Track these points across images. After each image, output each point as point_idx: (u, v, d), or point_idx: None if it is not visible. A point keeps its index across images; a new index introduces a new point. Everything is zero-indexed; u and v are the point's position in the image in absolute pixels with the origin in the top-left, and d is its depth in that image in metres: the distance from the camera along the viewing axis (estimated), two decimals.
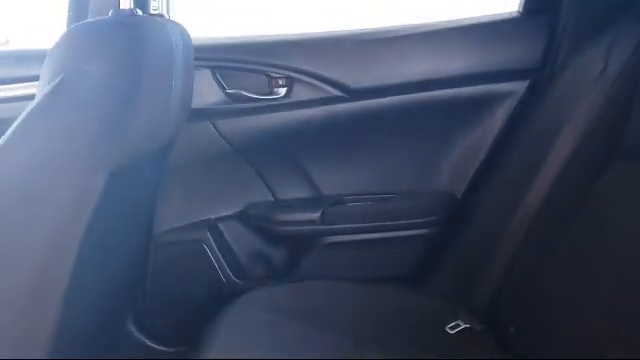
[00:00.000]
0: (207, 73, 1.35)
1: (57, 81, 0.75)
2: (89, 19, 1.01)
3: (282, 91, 1.39)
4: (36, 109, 0.75)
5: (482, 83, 1.37)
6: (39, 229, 0.78)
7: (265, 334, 1.15)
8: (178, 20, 1.11)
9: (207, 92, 1.37)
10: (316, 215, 1.39)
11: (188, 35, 1.04)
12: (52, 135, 0.76)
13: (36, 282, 0.79)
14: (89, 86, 0.76)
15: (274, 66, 1.38)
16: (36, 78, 0.89)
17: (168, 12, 1.22)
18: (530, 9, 1.38)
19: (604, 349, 0.89)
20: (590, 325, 0.93)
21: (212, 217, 1.44)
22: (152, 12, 1.10)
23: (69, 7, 1.11)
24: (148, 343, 1.44)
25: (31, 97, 0.88)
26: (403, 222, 1.42)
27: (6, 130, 0.80)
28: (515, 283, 1.18)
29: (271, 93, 1.39)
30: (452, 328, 1.18)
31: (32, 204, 0.78)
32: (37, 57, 1.06)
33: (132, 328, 1.43)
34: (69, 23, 1.14)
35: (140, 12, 0.92)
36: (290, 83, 1.38)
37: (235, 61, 1.38)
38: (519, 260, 1.18)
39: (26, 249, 0.78)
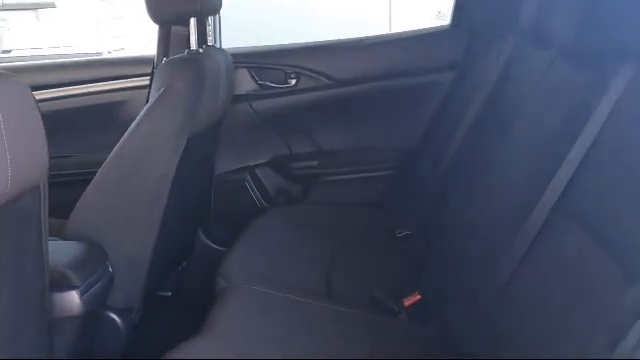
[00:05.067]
0: (245, 71, 1.87)
1: (161, 91, 1.34)
2: (173, 55, 1.57)
3: (293, 82, 1.87)
4: (151, 106, 1.34)
5: (425, 74, 1.86)
6: (153, 167, 1.33)
7: (274, 235, 1.63)
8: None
9: (245, 84, 1.86)
10: (316, 162, 1.91)
11: (229, 56, 1.63)
12: (159, 118, 1.34)
13: (150, 197, 1.32)
14: (177, 94, 1.34)
15: (288, 65, 1.87)
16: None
17: (217, 41, 1.77)
18: (455, 24, 1.87)
19: (479, 238, 1.27)
20: (477, 222, 1.32)
21: (250, 164, 1.93)
22: (209, 44, 1.66)
23: (157, 45, 1.68)
24: (211, 245, 1.91)
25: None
26: (374, 167, 1.92)
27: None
28: (437, 203, 1.67)
29: (286, 83, 1.87)
30: (399, 233, 1.68)
31: (149, 153, 1.33)
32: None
33: (201, 235, 1.91)
34: (158, 55, 1.70)
35: (201, 50, 1.49)
36: (298, 76, 1.87)
37: (263, 62, 1.88)
38: (440, 190, 1.67)
39: (146, 175, 1.31)
